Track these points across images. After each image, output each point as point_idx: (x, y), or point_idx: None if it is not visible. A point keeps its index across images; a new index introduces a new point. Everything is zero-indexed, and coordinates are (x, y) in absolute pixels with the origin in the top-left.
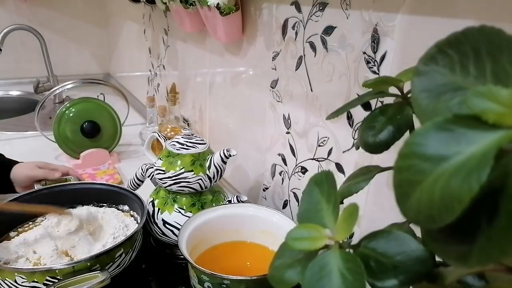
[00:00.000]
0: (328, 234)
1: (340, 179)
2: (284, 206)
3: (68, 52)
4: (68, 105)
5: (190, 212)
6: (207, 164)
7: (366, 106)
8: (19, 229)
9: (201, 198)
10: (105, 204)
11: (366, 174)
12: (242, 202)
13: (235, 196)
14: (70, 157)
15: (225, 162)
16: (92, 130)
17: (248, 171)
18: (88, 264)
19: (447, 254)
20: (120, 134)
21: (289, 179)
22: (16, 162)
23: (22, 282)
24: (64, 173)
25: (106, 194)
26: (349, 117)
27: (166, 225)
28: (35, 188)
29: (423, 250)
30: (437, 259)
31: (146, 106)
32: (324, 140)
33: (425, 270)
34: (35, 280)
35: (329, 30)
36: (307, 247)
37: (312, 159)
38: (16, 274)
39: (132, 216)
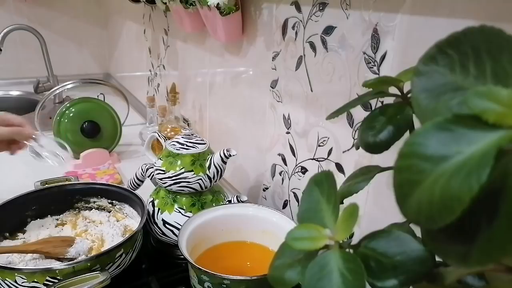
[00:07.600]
0: (328, 234)
1: (340, 179)
2: (284, 206)
3: (68, 52)
4: (68, 105)
5: (190, 212)
6: (207, 164)
7: (366, 106)
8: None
9: (201, 198)
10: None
11: (366, 174)
12: (242, 202)
13: (235, 196)
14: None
15: (225, 162)
16: (92, 130)
17: (248, 171)
18: (88, 264)
19: (447, 254)
20: (120, 134)
21: (289, 179)
22: None
23: (22, 282)
24: (20, 125)
25: (106, 194)
26: (349, 117)
27: (166, 225)
28: (35, 188)
29: (423, 250)
30: (437, 259)
31: (146, 106)
32: (324, 140)
33: (425, 270)
34: (35, 280)
35: (329, 30)
36: (307, 247)
37: (312, 159)
38: (16, 274)
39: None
